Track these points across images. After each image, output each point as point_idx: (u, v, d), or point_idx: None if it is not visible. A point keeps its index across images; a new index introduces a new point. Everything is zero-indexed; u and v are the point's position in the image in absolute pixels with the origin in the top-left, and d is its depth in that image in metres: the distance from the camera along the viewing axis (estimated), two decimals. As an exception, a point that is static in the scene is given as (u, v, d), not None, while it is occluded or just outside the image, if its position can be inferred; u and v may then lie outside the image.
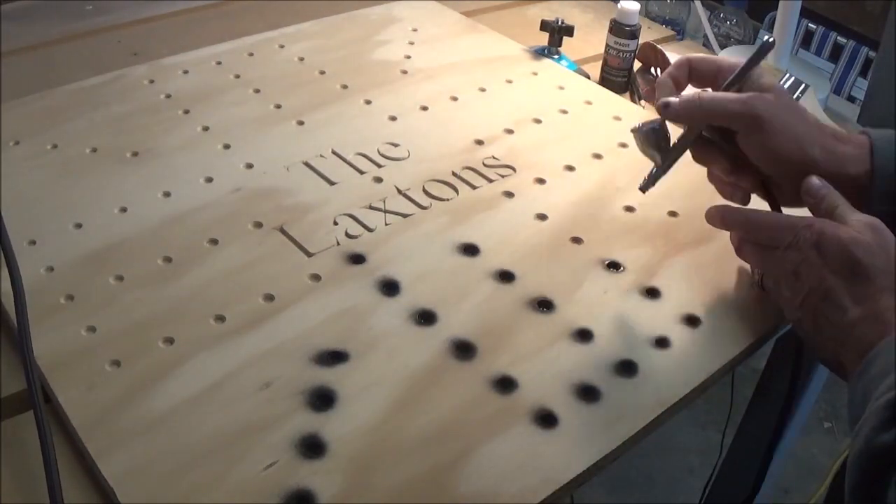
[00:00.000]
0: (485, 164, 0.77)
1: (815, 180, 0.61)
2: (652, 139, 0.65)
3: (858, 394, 0.51)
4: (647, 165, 0.72)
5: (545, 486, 0.50)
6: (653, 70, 0.96)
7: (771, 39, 0.67)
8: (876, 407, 0.48)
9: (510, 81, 0.91)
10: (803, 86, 0.91)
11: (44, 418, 0.50)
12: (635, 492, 1.55)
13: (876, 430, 0.47)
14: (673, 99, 0.64)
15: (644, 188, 0.67)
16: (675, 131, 0.67)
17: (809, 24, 1.19)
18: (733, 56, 0.99)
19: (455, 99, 0.87)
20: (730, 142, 0.64)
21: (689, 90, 0.66)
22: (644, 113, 0.89)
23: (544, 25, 0.96)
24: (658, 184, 0.67)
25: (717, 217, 0.65)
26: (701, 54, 0.68)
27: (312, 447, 0.51)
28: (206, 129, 0.79)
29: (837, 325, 0.56)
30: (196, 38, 0.94)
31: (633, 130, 0.67)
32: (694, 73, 0.67)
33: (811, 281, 0.57)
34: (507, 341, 0.60)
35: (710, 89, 0.65)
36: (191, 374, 0.55)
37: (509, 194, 0.74)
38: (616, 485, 1.55)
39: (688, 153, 0.67)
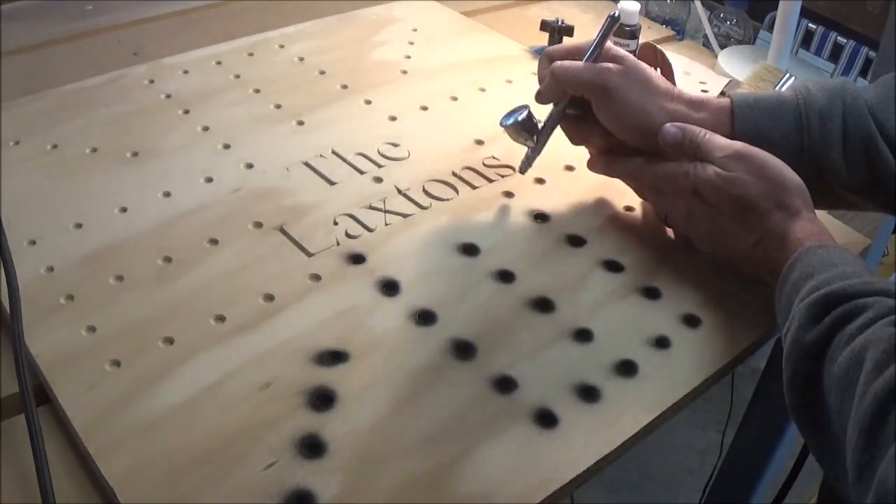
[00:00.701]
0: (485, 164, 0.77)
1: (668, 127, 0.65)
2: (521, 128, 0.71)
3: (783, 301, 0.56)
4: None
5: (545, 486, 0.50)
6: (502, 125, 0.95)
7: (616, 14, 0.70)
8: (799, 309, 0.52)
9: (510, 81, 0.91)
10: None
11: (36, 420, 0.50)
12: (635, 492, 1.55)
13: (801, 329, 0.51)
14: (540, 88, 0.69)
15: (523, 170, 0.74)
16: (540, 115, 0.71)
17: (809, 24, 1.19)
18: (730, 64, 0.99)
19: (455, 99, 0.87)
20: (594, 117, 0.68)
21: None
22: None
23: (544, 25, 0.96)
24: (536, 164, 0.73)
25: (599, 166, 0.71)
26: (558, 45, 0.73)
27: (312, 447, 0.51)
28: (205, 129, 0.79)
29: (744, 252, 0.61)
30: (196, 38, 0.94)
31: (501, 125, 0.71)
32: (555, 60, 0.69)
33: (705, 223, 0.63)
34: (507, 341, 0.60)
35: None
36: (191, 374, 0.55)
37: (509, 194, 0.74)
38: (616, 485, 1.55)
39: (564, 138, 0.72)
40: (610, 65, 0.67)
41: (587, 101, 0.68)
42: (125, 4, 1.02)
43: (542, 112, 0.72)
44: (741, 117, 0.66)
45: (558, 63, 0.68)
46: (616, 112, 0.66)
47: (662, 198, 0.67)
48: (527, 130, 0.71)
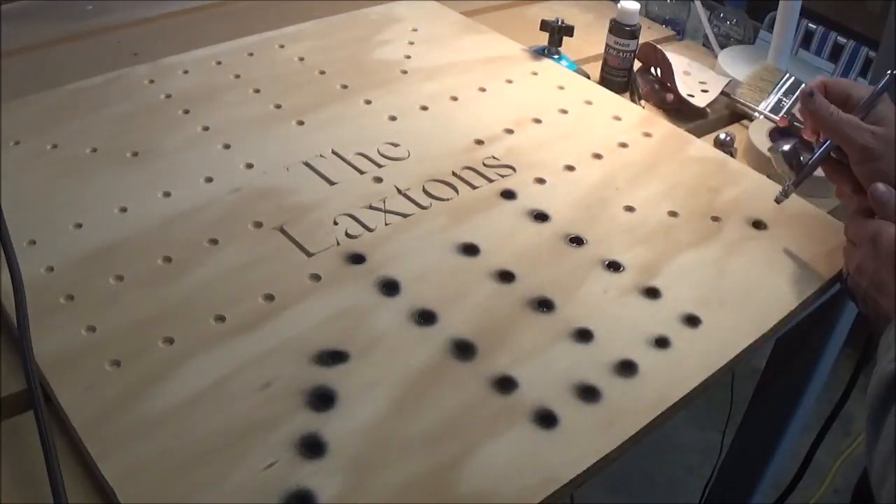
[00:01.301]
0: (485, 164, 0.77)
1: (880, 186, 0.65)
2: (790, 157, 0.73)
3: (885, 344, 0.56)
4: (643, 166, 0.72)
5: (545, 486, 0.50)
6: (653, 70, 0.96)
7: (894, 73, 0.70)
8: (891, 340, 0.53)
9: (510, 81, 0.91)
10: (803, 86, 0.91)
11: (44, 418, 0.50)
12: (635, 492, 1.55)
13: (891, 360, 0.52)
14: (819, 94, 0.69)
15: (779, 200, 0.74)
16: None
17: (809, 24, 1.19)
18: (731, 65, 0.99)
19: (455, 99, 0.87)
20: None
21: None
22: (644, 113, 0.89)
23: (544, 25, 0.96)
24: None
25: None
26: (837, 79, 0.72)
27: (312, 447, 0.51)
28: (206, 129, 0.79)
29: (887, 311, 0.60)
30: (196, 38, 0.94)
31: (773, 153, 0.74)
32: (828, 94, 0.70)
33: (868, 273, 0.63)
34: (507, 341, 0.60)
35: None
36: (191, 374, 0.55)
37: (509, 194, 0.74)
38: (616, 485, 1.55)
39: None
40: (877, 128, 0.67)
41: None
42: (125, 4, 1.02)
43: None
44: None
45: (840, 113, 0.68)
46: (872, 172, 0.66)
47: (850, 248, 0.67)
48: (789, 162, 0.72)
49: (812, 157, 0.71)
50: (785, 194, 0.73)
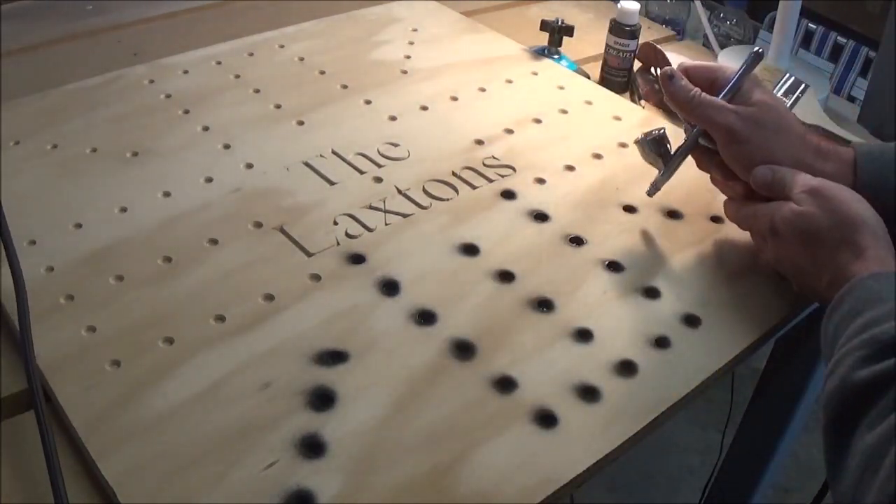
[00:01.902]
0: (485, 164, 0.77)
1: (760, 169, 0.64)
2: (654, 148, 0.70)
3: (829, 333, 0.55)
4: (645, 166, 0.72)
5: (545, 486, 0.50)
6: (653, 70, 0.96)
7: (759, 50, 0.69)
8: (850, 346, 0.50)
9: (510, 81, 0.91)
10: (803, 86, 0.91)
11: (45, 419, 0.50)
12: (635, 492, 1.55)
13: (852, 367, 0.49)
14: (680, 76, 0.67)
15: (650, 193, 0.72)
16: (675, 140, 0.70)
17: (809, 24, 1.19)
18: (730, 63, 0.99)
19: (455, 99, 0.87)
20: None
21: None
22: (644, 113, 0.89)
23: (544, 25, 0.96)
24: (662, 188, 0.71)
25: (729, 210, 0.69)
26: (699, 62, 0.70)
27: (312, 447, 0.51)
28: (206, 129, 0.79)
29: (819, 292, 0.60)
30: (196, 38, 0.94)
31: (636, 142, 0.71)
32: (691, 80, 0.68)
33: (788, 262, 0.62)
34: (507, 341, 0.60)
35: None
36: (191, 374, 0.55)
37: (509, 194, 0.74)
38: (616, 485, 1.55)
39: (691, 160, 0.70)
40: (742, 108, 0.65)
41: None
42: (125, 4, 1.02)
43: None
44: (864, 168, 0.65)
45: (702, 96, 0.66)
46: (738, 155, 0.65)
47: (759, 241, 0.66)
48: (657, 151, 0.70)
49: (681, 145, 0.69)
50: (656, 187, 0.71)
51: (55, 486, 0.47)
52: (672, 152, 0.70)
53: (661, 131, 0.70)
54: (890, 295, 0.52)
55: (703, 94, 0.66)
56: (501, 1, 1.15)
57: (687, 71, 0.68)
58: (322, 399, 0.54)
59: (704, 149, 0.69)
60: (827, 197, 0.60)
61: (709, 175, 0.71)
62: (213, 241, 0.66)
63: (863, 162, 0.65)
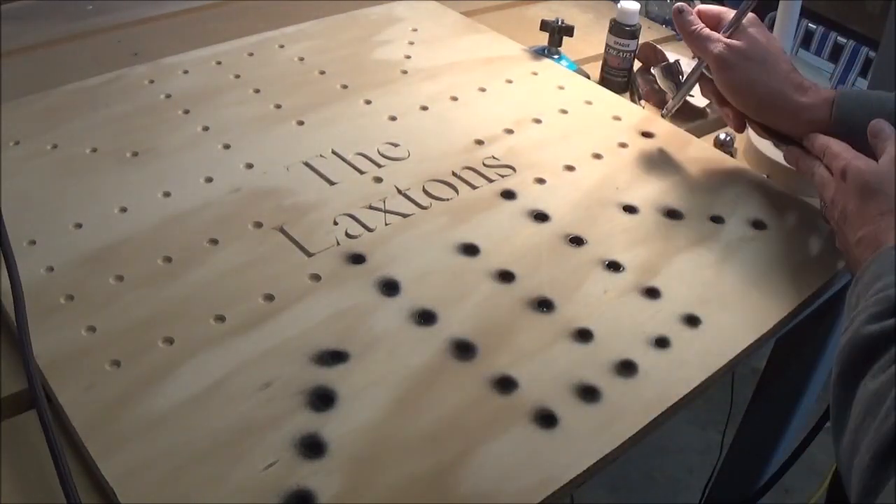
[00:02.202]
0: (485, 164, 0.77)
1: (878, 122, 0.66)
2: (668, 74, 0.85)
3: (853, 300, 0.56)
4: (645, 167, 0.72)
5: (545, 486, 0.50)
6: (652, 70, 0.96)
7: None
8: (866, 304, 0.52)
9: (510, 81, 0.91)
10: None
11: (48, 417, 0.50)
12: (635, 492, 1.55)
13: (863, 322, 0.51)
14: (689, 11, 0.76)
15: (665, 115, 0.84)
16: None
17: (809, 24, 1.19)
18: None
19: (455, 99, 0.87)
20: None
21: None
22: (644, 113, 0.89)
23: (544, 25, 0.96)
24: (675, 112, 0.85)
25: (810, 141, 0.72)
26: (712, 6, 0.79)
27: (312, 447, 0.51)
28: (206, 129, 0.79)
29: (848, 245, 0.63)
30: (196, 38, 0.94)
31: (653, 69, 0.84)
32: (702, 19, 0.77)
33: (839, 205, 0.64)
34: (507, 341, 0.60)
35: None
36: (191, 374, 0.55)
37: (509, 194, 0.74)
38: (616, 485, 1.55)
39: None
40: (732, 41, 0.73)
41: None
42: (125, 4, 1.02)
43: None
44: (841, 106, 0.70)
45: (693, 27, 0.75)
46: (727, 82, 0.74)
47: (825, 179, 0.68)
48: (671, 77, 0.83)
49: (689, 73, 0.80)
50: (670, 109, 0.83)
51: (65, 484, 0.47)
52: (683, 79, 0.82)
53: (676, 61, 0.84)
54: None
55: (704, 27, 0.75)
56: (501, 1, 1.15)
57: (700, 12, 0.77)
58: (322, 399, 0.54)
59: (707, 78, 0.77)
60: None
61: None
62: (214, 241, 0.66)
63: (840, 100, 0.71)
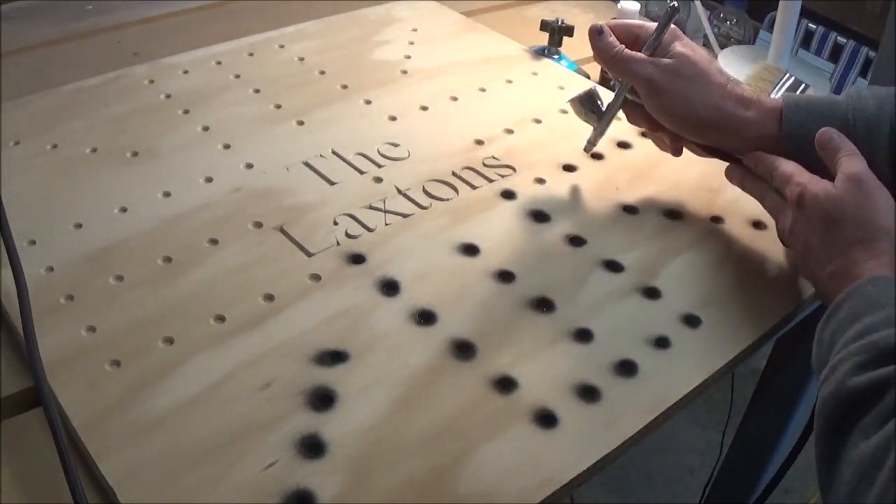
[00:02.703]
0: (485, 164, 0.77)
1: (827, 130, 0.62)
2: (586, 104, 0.74)
3: (825, 338, 0.53)
4: (646, 166, 0.72)
5: (545, 486, 0.50)
6: (568, 102, 0.95)
7: (675, 4, 0.70)
8: (847, 352, 0.49)
9: (510, 81, 0.91)
10: (803, 85, 0.91)
11: (55, 413, 0.50)
12: (635, 492, 1.55)
13: (848, 373, 0.48)
14: (608, 32, 0.69)
15: (587, 149, 0.77)
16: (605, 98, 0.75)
17: (809, 24, 1.19)
18: (728, 63, 0.99)
19: (455, 99, 0.87)
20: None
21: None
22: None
23: (544, 25, 0.96)
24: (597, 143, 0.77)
25: (752, 160, 0.68)
26: (623, 20, 0.73)
27: (312, 447, 0.51)
28: (206, 129, 0.79)
29: (821, 279, 0.59)
30: (196, 38, 0.94)
31: (569, 101, 0.75)
32: (617, 37, 0.70)
33: (801, 239, 0.61)
34: (507, 341, 0.60)
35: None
36: (191, 374, 0.55)
37: (509, 194, 0.74)
38: (616, 485, 1.55)
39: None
40: (660, 60, 0.68)
41: None
42: (125, 4, 1.02)
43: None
44: (790, 118, 0.65)
45: (624, 52, 0.69)
46: (660, 106, 0.68)
47: (777, 207, 0.64)
48: (589, 108, 0.74)
49: (611, 101, 0.73)
50: (592, 143, 0.76)
51: (72, 483, 0.47)
52: (603, 109, 0.74)
53: (592, 89, 0.74)
54: (889, 300, 0.51)
55: (625, 49, 0.69)
56: (501, 1, 1.15)
57: (613, 29, 0.70)
58: (322, 399, 0.54)
59: (632, 103, 0.72)
60: (866, 192, 0.58)
61: (677, 155, 0.74)
62: (213, 242, 0.66)
63: (789, 112, 0.66)
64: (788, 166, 0.63)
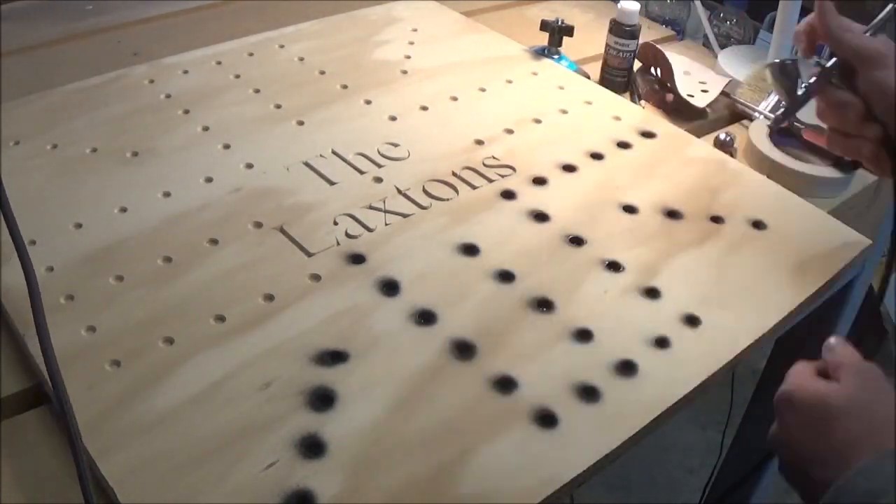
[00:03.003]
0: (485, 164, 0.77)
1: (833, 340, 0.57)
2: (786, 72, 0.66)
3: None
4: (644, 168, 0.72)
5: (545, 486, 0.50)
6: (653, 70, 0.96)
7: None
8: None
9: (510, 81, 0.91)
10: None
11: (68, 402, 0.50)
12: (635, 492, 1.55)
13: None
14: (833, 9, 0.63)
15: (773, 127, 0.68)
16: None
17: (809, 24, 1.19)
18: (728, 64, 0.99)
19: (455, 99, 0.87)
20: (855, 91, 0.63)
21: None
22: (645, 113, 0.89)
23: (544, 25, 0.96)
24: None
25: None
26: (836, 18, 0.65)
27: (312, 447, 0.51)
28: (206, 129, 0.79)
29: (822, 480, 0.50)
30: (196, 38, 0.94)
31: (768, 65, 0.67)
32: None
33: (796, 443, 0.53)
34: (507, 341, 0.60)
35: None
36: (191, 374, 0.55)
37: (509, 194, 0.74)
38: (616, 485, 1.55)
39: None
40: (884, 38, 0.63)
41: (852, 75, 0.62)
42: (125, 4, 1.02)
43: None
44: None
45: (840, 22, 0.62)
46: (882, 83, 0.60)
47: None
48: (787, 77, 0.66)
49: (813, 78, 0.65)
50: (782, 119, 0.68)
51: (83, 480, 0.47)
52: (799, 86, 0.66)
53: (794, 61, 0.66)
54: (882, 493, 0.45)
55: (848, 21, 0.63)
56: (501, 1, 1.15)
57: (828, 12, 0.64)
58: (322, 399, 0.54)
59: (833, 86, 0.64)
60: (872, 387, 0.52)
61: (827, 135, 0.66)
62: (214, 241, 0.66)
63: None
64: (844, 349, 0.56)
